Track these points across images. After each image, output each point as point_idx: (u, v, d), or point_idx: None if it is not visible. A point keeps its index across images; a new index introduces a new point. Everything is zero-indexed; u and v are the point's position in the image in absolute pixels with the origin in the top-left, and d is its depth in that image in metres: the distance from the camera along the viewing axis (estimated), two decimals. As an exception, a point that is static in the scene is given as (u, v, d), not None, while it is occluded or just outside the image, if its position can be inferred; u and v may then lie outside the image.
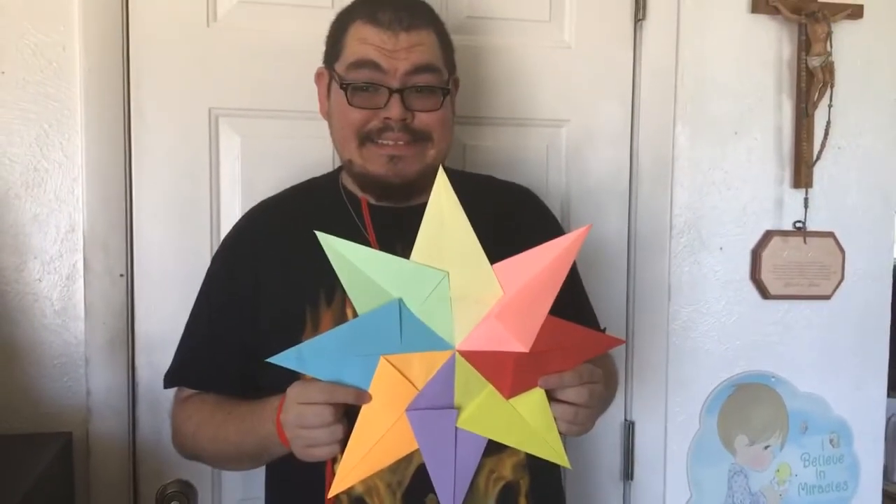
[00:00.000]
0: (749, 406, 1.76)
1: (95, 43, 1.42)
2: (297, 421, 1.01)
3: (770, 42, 1.74)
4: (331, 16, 1.26)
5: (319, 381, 0.99)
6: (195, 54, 1.47)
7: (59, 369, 1.45)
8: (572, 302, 1.18)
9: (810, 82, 1.71)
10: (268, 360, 0.96)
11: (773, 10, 1.71)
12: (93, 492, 1.46)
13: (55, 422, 1.44)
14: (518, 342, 0.98)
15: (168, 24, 1.45)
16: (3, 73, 1.40)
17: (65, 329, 1.45)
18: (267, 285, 1.21)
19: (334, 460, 1.04)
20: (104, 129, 1.43)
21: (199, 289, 1.28)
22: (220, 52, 1.48)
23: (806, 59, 1.70)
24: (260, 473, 1.30)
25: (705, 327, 1.75)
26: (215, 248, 1.45)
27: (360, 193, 1.25)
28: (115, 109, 1.43)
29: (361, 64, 1.15)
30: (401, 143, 1.16)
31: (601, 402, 1.14)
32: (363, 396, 0.98)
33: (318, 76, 1.27)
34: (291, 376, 1.02)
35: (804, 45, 1.71)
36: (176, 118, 1.47)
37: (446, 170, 0.97)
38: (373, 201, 1.24)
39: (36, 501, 1.21)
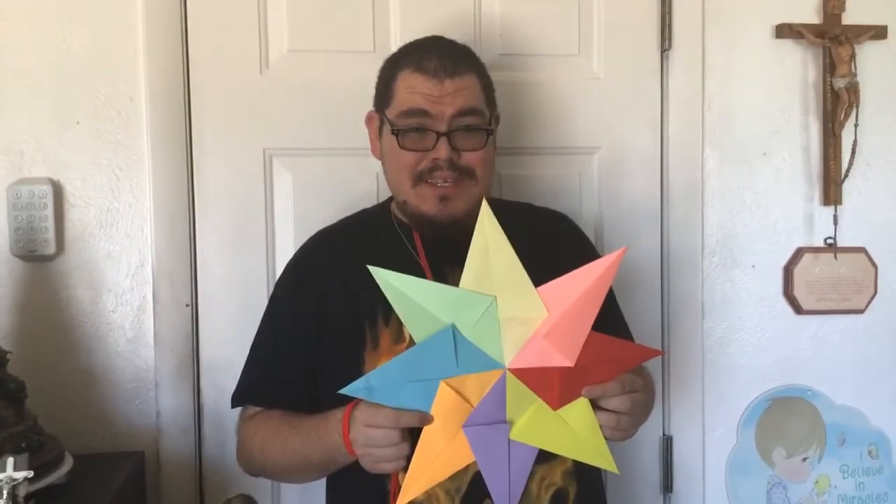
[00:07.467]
0: (786, 419, 1.80)
1: (159, 93, 1.55)
2: (367, 441, 1.09)
3: (795, 65, 1.79)
4: (374, 61, 1.37)
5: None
6: (250, 100, 1.59)
7: (131, 393, 1.57)
8: (610, 321, 1.25)
9: (836, 103, 1.75)
10: (340, 391, 1.03)
11: (797, 35, 1.76)
12: (164, 505, 1.57)
13: (128, 442, 1.56)
14: (564, 358, 1.06)
15: (224, 73, 1.58)
16: (78, 122, 1.54)
17: (136, 356, 1.57)
18: (329, 307, 1.30)
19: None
20: (169, 172, 1.56)
21: (261, 315, 1.37)
22: (272, 97, 1.59)
23: (831, 81, 1.75)
24: (319, 487, 1.39)
25: (740, 343, 1.79)
26: (271, 278, 1.57)
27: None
28: (178, 153, 1.56)
29: (411, 113, 1.24)
30: (448, 182, 1.24)
31: (642, 409, 1.22)
32: (426, 419, 1.06)
33: (369, 119, 1.37)
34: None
35: (829, 68, 1.75)
36: (233, 159, 1.59)
37: (487, 199, 1.05)
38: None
39: (114, 515, 1.33)
